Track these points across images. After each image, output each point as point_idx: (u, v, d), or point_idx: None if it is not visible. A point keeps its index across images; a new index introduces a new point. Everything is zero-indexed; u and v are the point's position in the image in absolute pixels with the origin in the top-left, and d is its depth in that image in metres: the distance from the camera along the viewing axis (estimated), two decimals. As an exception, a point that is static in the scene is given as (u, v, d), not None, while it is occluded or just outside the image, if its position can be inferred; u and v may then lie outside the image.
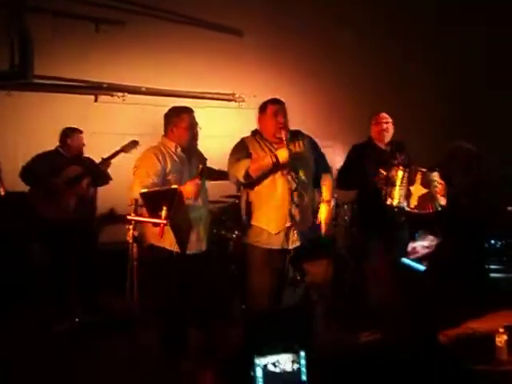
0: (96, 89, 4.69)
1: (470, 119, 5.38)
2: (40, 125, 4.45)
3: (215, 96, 5.05)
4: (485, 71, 5.45)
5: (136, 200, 2.22)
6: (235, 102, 5.13)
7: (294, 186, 2.60)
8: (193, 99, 4.99)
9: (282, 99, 2.76)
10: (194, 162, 2.69)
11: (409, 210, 3.10)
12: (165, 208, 2.18)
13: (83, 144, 3.73)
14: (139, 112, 4.80)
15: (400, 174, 3.05)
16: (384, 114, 3.33)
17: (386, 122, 3.29)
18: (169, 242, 2.49)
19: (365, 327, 3.00)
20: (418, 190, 3.06)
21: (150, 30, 4.80)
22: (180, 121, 2.56)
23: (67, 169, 3.58)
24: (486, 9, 5.39)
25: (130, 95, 4.78)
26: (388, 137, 3.29)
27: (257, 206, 2.66)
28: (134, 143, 3.59)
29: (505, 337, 2.83)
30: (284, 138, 2.59)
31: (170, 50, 4.87)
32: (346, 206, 4.20)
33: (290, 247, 2.66)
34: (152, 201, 2.23)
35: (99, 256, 3.77)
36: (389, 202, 3.06)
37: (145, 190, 2.26)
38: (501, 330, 2.86)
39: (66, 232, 3.53)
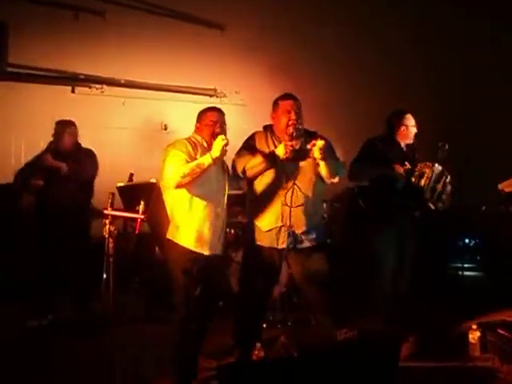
0: (72, 80, 4.56)
1: (471, 119, 5.27)
2: (14, 116, 4.30)
3: (196, 91, 4.98)
4: (489, 73, 5.35)
5: (112, 194, 2.18)
6: (216, 97, 5.08)
7: (288, 186, 2.57)
8: (173, 93, 4.94)
9: (295, 95, 2.72)
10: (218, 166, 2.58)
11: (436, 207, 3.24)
12: (142, 202, 2.14)
13: (77, 137, 3.68)
14: (119, 105, 4.70)
15: (437, 169, 3.20)
16: (410, 116, 3.30)
17: (413, 126, 3.29)
18: (186, 240, 2.45)
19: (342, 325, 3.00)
20: (439, 189, 3.23)
21: (131, 22, 4.69)
22: (204, 117, 2.62)
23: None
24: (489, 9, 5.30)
25: (108, 87, 4.68)
26: (411, 140, 3.32)
27: (254, 202, 2.68)
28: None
29: (478, 333, 2.90)
30: (289, 135, 2.53)
31: (150, 42, 4.77)
32: (324, 204, 4.20)
33: (279, 247, 2.64)
34: (129, 195, 2.19)
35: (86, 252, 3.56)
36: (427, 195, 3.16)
37: (121, 184, 2.22)
38: (473, 327, 2.93)
39: (49, 227, 3.48)
